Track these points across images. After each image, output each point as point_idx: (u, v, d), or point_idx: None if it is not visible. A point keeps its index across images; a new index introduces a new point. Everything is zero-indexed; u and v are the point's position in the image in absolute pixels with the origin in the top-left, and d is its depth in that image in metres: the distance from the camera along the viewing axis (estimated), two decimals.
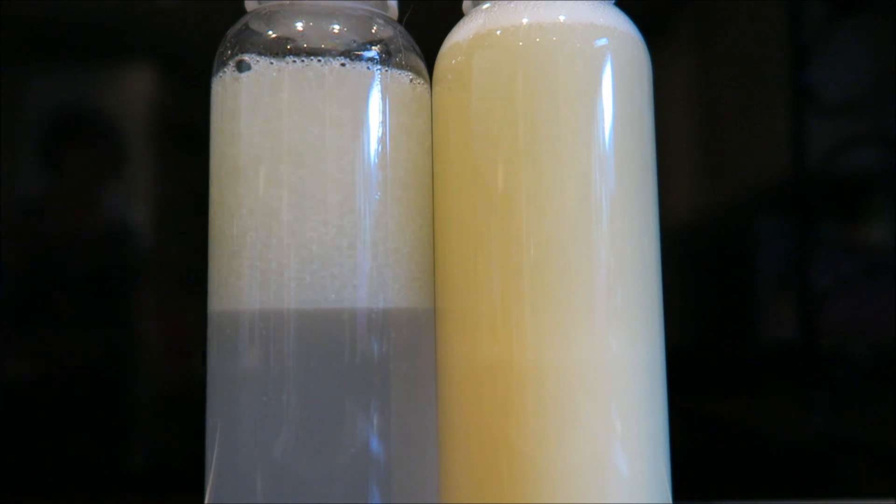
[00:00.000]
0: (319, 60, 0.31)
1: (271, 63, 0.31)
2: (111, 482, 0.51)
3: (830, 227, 0.52)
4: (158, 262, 0.52)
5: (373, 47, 0.32)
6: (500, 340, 0.29)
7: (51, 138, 0.52)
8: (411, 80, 0.33)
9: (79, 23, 0.53)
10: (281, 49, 0.31)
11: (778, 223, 0.53)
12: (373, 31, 0.33)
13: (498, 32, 0.31)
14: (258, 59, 0.31)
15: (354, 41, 0.32)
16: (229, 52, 0.32)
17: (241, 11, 0.34)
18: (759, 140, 0.53)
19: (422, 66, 0.34)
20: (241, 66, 0.32)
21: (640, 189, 0.31)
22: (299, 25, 0.32)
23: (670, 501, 0.31)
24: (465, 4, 0.34)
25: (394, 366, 0.31)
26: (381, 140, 0.32)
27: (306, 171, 0.31)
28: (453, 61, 0.32)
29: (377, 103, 0.32)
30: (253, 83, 0.31)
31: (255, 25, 0.32)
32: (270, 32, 0.32)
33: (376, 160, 0.31)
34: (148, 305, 0.52)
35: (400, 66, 0.33)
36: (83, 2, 0.53)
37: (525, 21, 0.30)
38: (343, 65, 0.31)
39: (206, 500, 0.31)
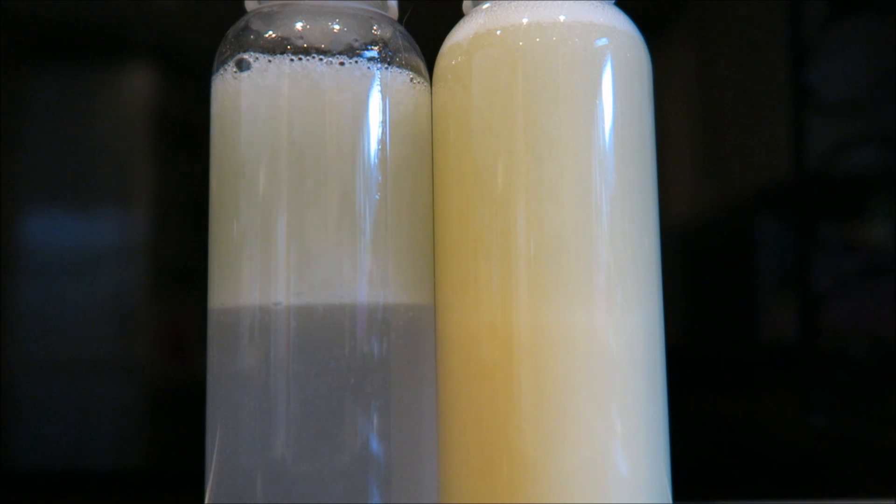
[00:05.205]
0: (320, 60, 0.31)
1: (271, 62, 0.31)
2: (111, 481, 0.51)
3: (830, 227, 0.52)
4: (159, 260, 0.52)
5: (373, 47, 0.32)
6: (499, 337, 0.29)
7: (52, 138, 0.52)
8: (411, 80, 0.33)
9: (79, 23, 0.53)
10: (281, 48, 0.31)
11: (778, 223, 0.53)
12: (373, 30, 0.33)
13: (498, 32, 0.31)
14: (258, 57, 0.31)
15: (354, 41, 0.32)
16: (229, 51, 0.32)
17: (241, 11, 0.34)
18: (759, 140, 0.53)
19: (422, 65, 0.34)
20: (242, 65, 0.32)
21: (640, 188, 0.31)
22: (299, 25, 0.32)
23: (670, 501, 0.31)
24: (465, 4, 0.34)
25: (394, 363, 0.31)
26: (381, 139, 0.32)
27: (306, 169, 0.31)
28: (453, 61, 0.32)
29: (377, 103, 0.32)
30: (253, 82, 0.31)
31: (255, 25, 0.33)
32: (270, 32, 0.32)
33: (376, 159, 0.31)
34: (148, 303, 0.52)
35: (400, 66, 0.33)
36: (83, 2, 0.53)
37: (525, 21, 0.30)
38: (343, 64, 0.31)
39: (206, 500, 0.31)
